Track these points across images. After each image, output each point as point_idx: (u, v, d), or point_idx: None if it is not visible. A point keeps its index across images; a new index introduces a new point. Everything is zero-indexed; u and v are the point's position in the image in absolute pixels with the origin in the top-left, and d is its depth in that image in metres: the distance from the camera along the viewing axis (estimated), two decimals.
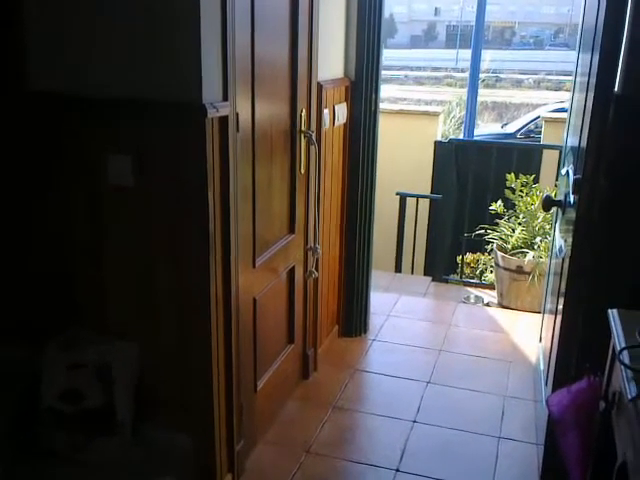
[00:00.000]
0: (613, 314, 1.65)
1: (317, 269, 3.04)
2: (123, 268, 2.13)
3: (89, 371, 2.07)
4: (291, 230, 2.80)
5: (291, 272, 2.86)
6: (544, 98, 17.22)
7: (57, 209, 2.14)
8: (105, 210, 2.09)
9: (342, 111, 3.23)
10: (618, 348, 1.49)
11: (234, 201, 2.13)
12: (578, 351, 2.20)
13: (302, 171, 2.79)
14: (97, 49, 1.96)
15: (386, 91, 15.14)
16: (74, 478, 2.02)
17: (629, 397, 1.29)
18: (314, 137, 2.80)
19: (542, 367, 2.96)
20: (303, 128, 2.73)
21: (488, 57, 17.35)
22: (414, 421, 2.90)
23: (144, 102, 1.94)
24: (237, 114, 2.09)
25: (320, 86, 2.88)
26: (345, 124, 3.32)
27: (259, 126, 2.32)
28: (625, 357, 1.43)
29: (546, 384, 2.67)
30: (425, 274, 5.57)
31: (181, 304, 2.09)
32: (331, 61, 3.09)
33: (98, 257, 2.14)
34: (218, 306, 2.13)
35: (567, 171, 2.63)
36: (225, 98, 2.00)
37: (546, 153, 5.83)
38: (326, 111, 2.98)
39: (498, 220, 4.68)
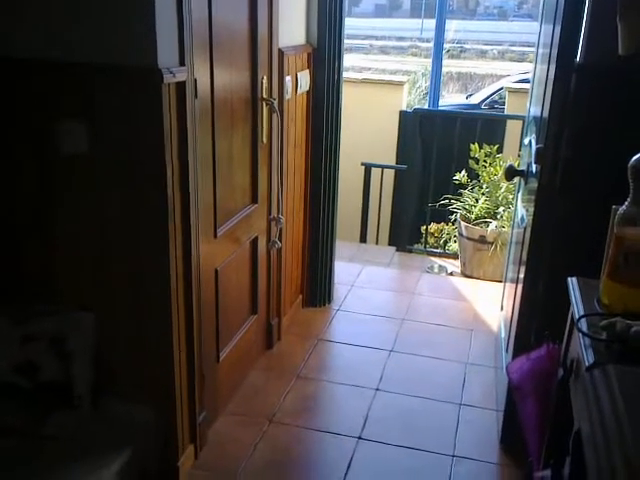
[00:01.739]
0: (573, 282, 1.66)
1: (280, 239, 3.02)
2: (76, 238, 2.06)
3: (44, 343, 2.02)
4: (254, 200, 2.76)
5: (254, 242, 2.83)
6: (508, 69, 17.25)
7: (7, 178, 2.06)
8: (58, 178, 2.01)
9: (305, 79, 3.18)
10: (577, 316, 1.50)
11: (194, 169, 2.08)
12: (538, 319, 2.23)
13: (264, 140, 2.74)
14: (45, 9, 1.86)
15: (351, 60, 15.03)
16: (32, 453, 1.98)
17: (586, 365, 1.30)
18: (276, 105, 2.75)
19: (503, 335, 3.00)
20: (264, 95, 2.68)
21: (453, 27, 17.25)
22: (377, 389, 2.92)
23: (98, 66, 1.86)
24: (195, 80, 2.03)
25: (281, 52, 2.82)
26: (308, 92, 3.27)
27: (219, 93, 2.26)
28: (583, 325, 1.44)
29: (507, 351, 2.70)
30: (389, 244, 5.59)
31: (139, 274, 2.05)
32: (292, 27, 3.02)
33: (50, 226, 2.07)
34: (178, 277, 2.09)
35: (529, 141, 2.63)
36: (182, 63, 1.94)
37: (510, 123, 5.86)
38: (288, 78, 2.93)
39: (462, 190, 4.70)
